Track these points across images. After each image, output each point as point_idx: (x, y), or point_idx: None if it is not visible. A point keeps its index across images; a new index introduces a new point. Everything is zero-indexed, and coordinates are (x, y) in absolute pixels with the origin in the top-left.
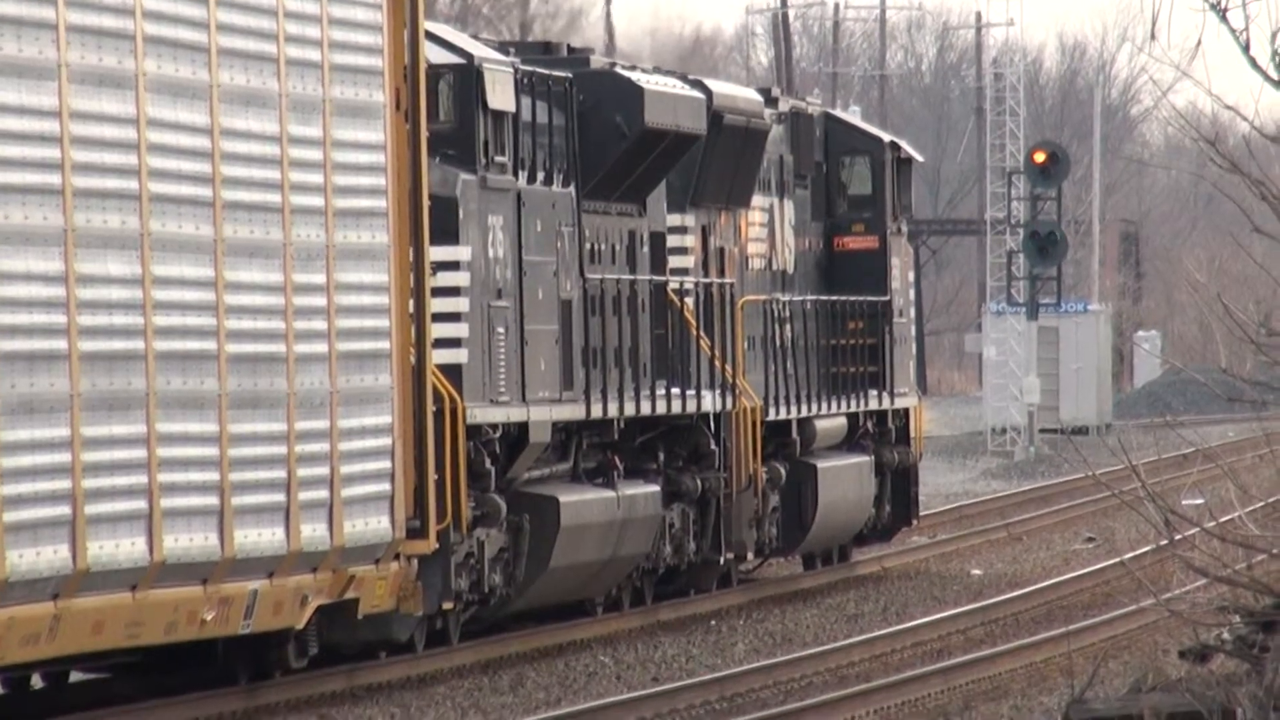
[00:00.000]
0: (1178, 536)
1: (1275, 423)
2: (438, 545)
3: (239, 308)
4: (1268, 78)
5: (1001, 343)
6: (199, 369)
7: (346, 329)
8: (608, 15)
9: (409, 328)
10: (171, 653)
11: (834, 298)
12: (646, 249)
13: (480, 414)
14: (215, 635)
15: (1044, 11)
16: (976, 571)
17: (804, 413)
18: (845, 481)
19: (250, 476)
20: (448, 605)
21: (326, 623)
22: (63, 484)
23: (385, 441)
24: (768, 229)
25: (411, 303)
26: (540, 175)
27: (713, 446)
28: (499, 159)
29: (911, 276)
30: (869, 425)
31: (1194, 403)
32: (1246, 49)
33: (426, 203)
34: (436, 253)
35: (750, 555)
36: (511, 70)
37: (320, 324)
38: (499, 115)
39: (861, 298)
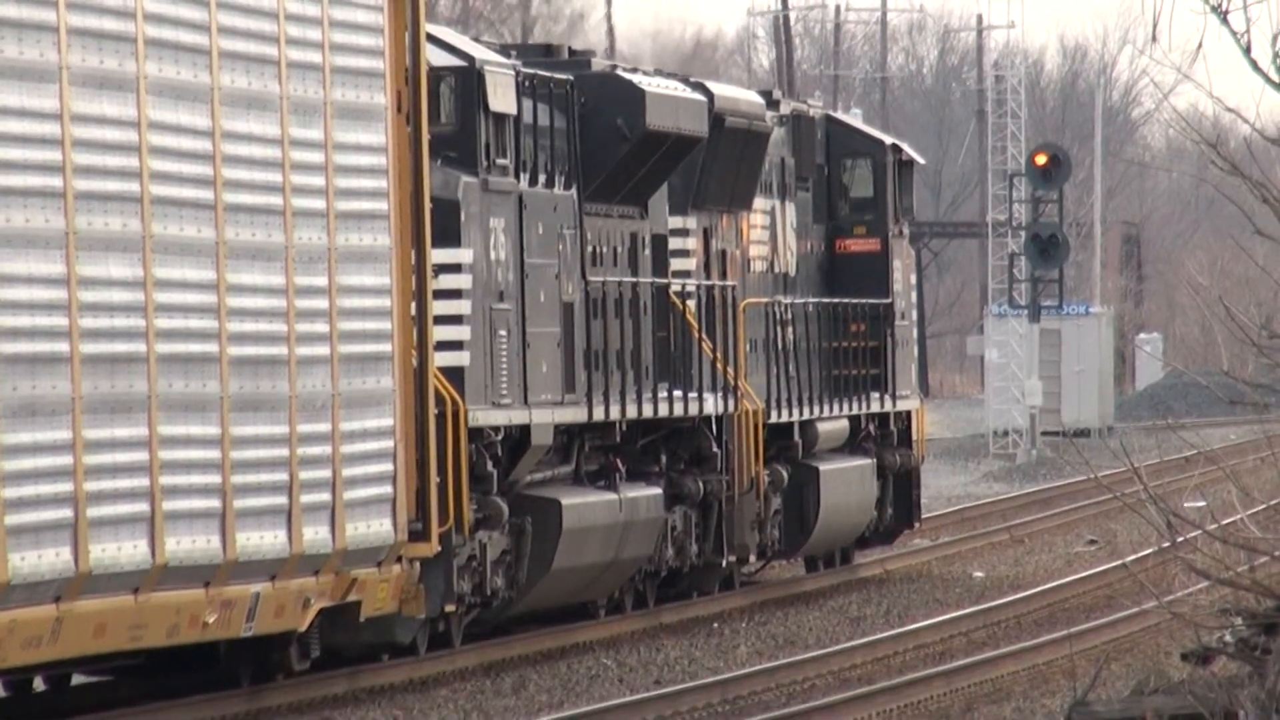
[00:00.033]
0: (1180, 539)
1: (1277, 425)
2: (440, 548)
3: (241, 310)
4: (1269, 80)
5: (1003, 345)
6: (201, 371)
7: (348, 332)
8: (609, 18)
9: (411, 330)
10: (174, 655)
11: (836, 300)
12: (648, 251)
13: (482, 416)
14: (217, 638)
15: (1045, 14)
16: (978, 574)
17: (806, 415)
18: (847, 484)
19: (252, 479)
20: (450, 608)
21: (329, 625)
22: (64, 487)
23: (387, 444)
24: (769, 231)
25: (413, 305)
26: (542, 178)
27: (715, 449)
28: (500, 161)
29: (913, 279)
30: (871, 428)
31: (1196, 405)
32: (1248, 51)
33: (428, 205)
34: (438, 255)
35: (752, 558)
36: (513, 73)
37: (322, 327)
38: (500, 118)
39: (863, 300)
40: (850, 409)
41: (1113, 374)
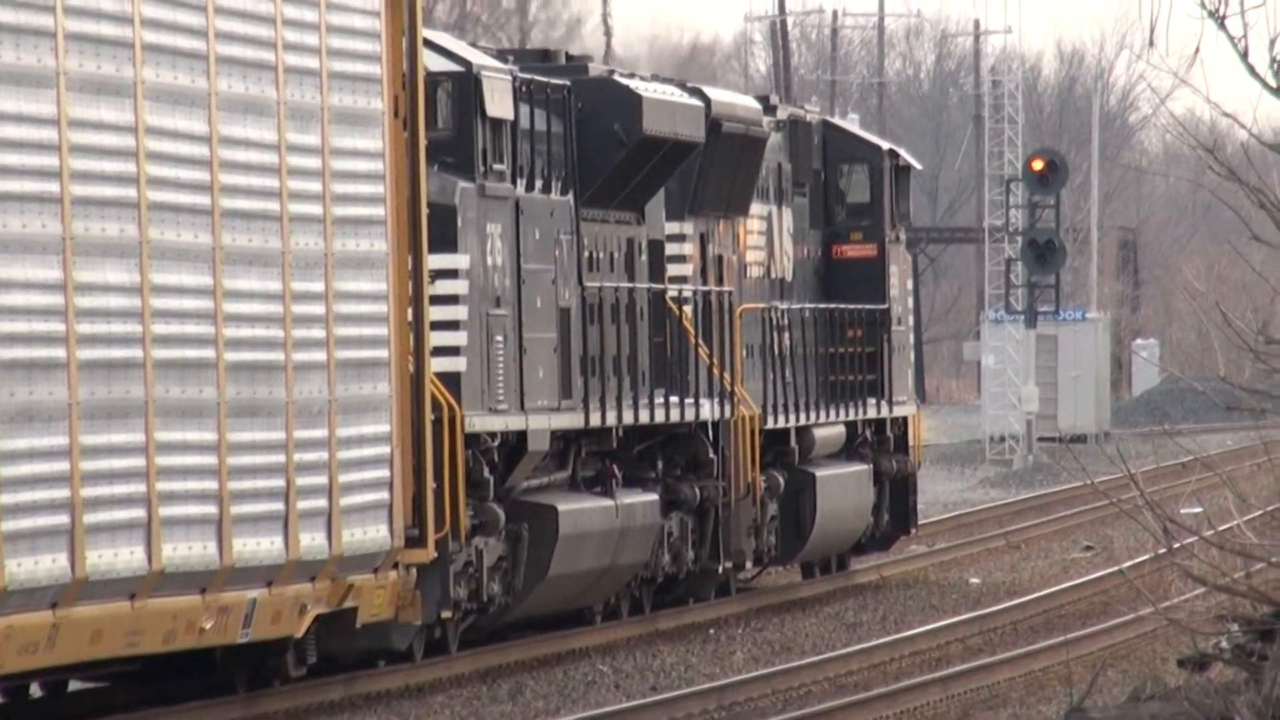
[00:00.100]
0: (1176, 545)
1: (1273, 431)
2: (436, 554)
3: (237, 316)
4: (1266, 85)
5: (1000, 351)
6: (198, 377)
7: (345, 337)
8: (606, 23)
9: (407, 336)
10: (170, 661)
11: (832, 306)
12: (645, 257)
13: (479, 422)
14: (214, 644)
15: (1042, 19)
16: (975, 580)
17: (802, 421)
18: (844, 490)
19: (249, 485)
20: (446, 614)
21: (325, 632)
22: (61, 492)
23: (384, 450)
24: (766, 237)
25: (410, 311)
26: (539, 183)
27: (711, 455)
28: (497, 167)
29: (910, 284)
30: (867, 433)
31: (1192, 411)
32: (1245, 56)
33: (425, 211)
34: (435, 261)
35: (749, 564)
36: (510, 78)
37: (319, 332)
38: (497, 123)
39: (860, 306)
40: (847, 415)
41: (1109, 380)
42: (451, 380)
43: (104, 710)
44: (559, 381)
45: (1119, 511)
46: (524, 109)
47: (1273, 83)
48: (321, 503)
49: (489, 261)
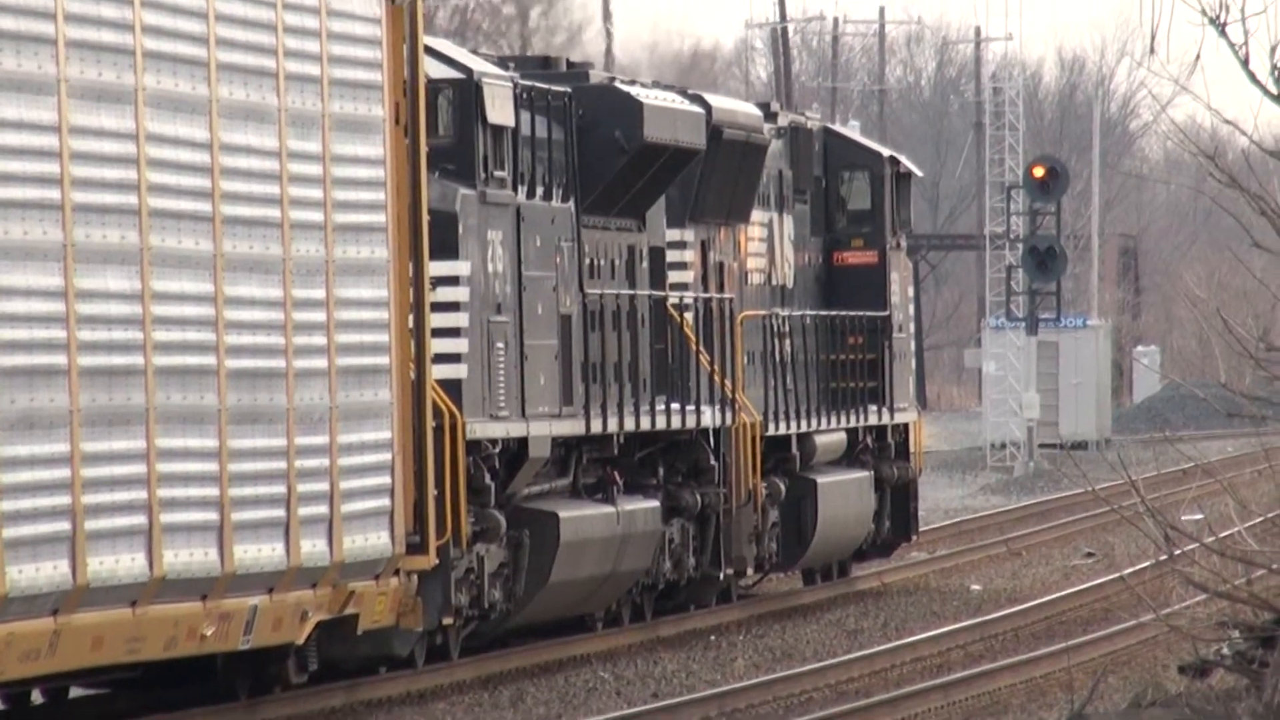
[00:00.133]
0: (1177, 552)
1: (1274, 438)
2: (437, 561)
3: (239, 323)
4: (1267, 92)
5: (1001, 358)
6: (199, 384)
7: (346, 344)
8: (607, 30)
9: (409, 343)
10: (171, 668)
11: (833, 313)
12: (646, 264)
13: (480, 429)
14: (215, 651)
15: (1043, 26)
16: (976, 587)
17: (804, 428)
18: (845, 497)
19: (250, 492)
20: (447, 620)
21: (326, 638)
22: (62, 499)
23: (385, 457)
24: (767, 244)
25: (411, 318)
26: (540, 190)
27: (712, 462)
28: (498, 174)
29: (911, 291)
30: (868, 440)
31: (1193, 418)
32: (1245, 63)
33: (426, 217)
34: (436, 268)
35: (750, 570)
36: (511, 85)
37: (320, 339)
38: (498, 130)
39: (861, 313)
40: (848, 421)
41: (1110, 386)
42: (453, 387)
43: (105, 717)
44: (560, 388)
45: (1120, 518)
46: (525, 116)
47: (1273, 89)
48: (323, 509)
49: (490, 268)
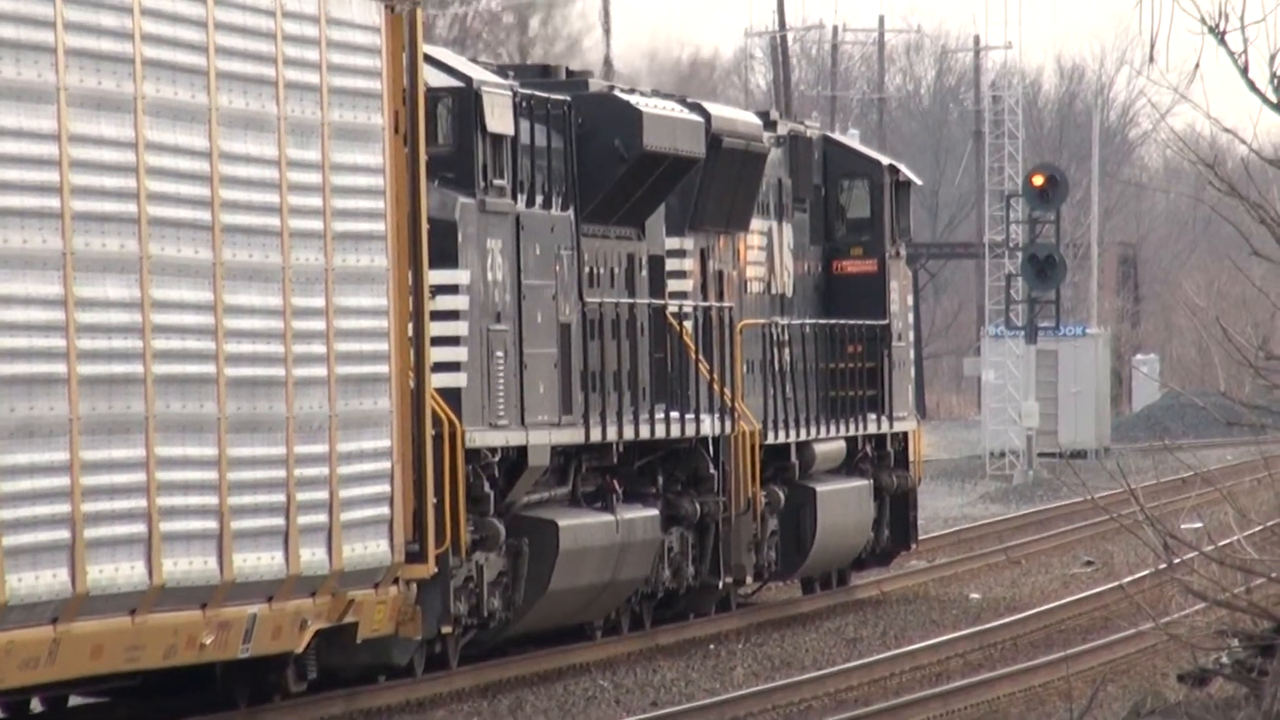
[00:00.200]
0: (1176, 560)
1: (1274, 446)
2: (436, 569)
3: (238, 331)
4: (1266, 100)
5: (1000, 366)
6: (198, 392)
7: (345, 353)
8: (606, 38)
9: (408, 351)
10: (171, 677)
11: (832, 321)
12: (645, 272)
13: (479, 438)
14: (214, 659)
15: (1042, 34)
16: (975, 595)
17: (803, 436)
18: (844, 505)
19: (249, 500)
20: (446, 629)
21: (325, 647)
22: (62, 508)
23: (384, 465)
24: (766, 252)
25: (410, 326)
26: (539, 199)
27: (711, 470)
28: (498, 182)
29: (910, 300)
30: (868, 449)
31: (1192, 426)
32: (1245, 72)
33: (425, 226)
34: (435, 276)
35: (749, 579)
36: (510, 93)
37: (319, 348)
38: (498, 138)
39: (860, 321)
40: (847, 430)
41: (1109, 395)
42: (452, 395)
43: None
44: (559, 397)
45: (1119, 527)
46: (524, 124)
47: (1273, 98)
48: (322, 518)
49: (489, 277)
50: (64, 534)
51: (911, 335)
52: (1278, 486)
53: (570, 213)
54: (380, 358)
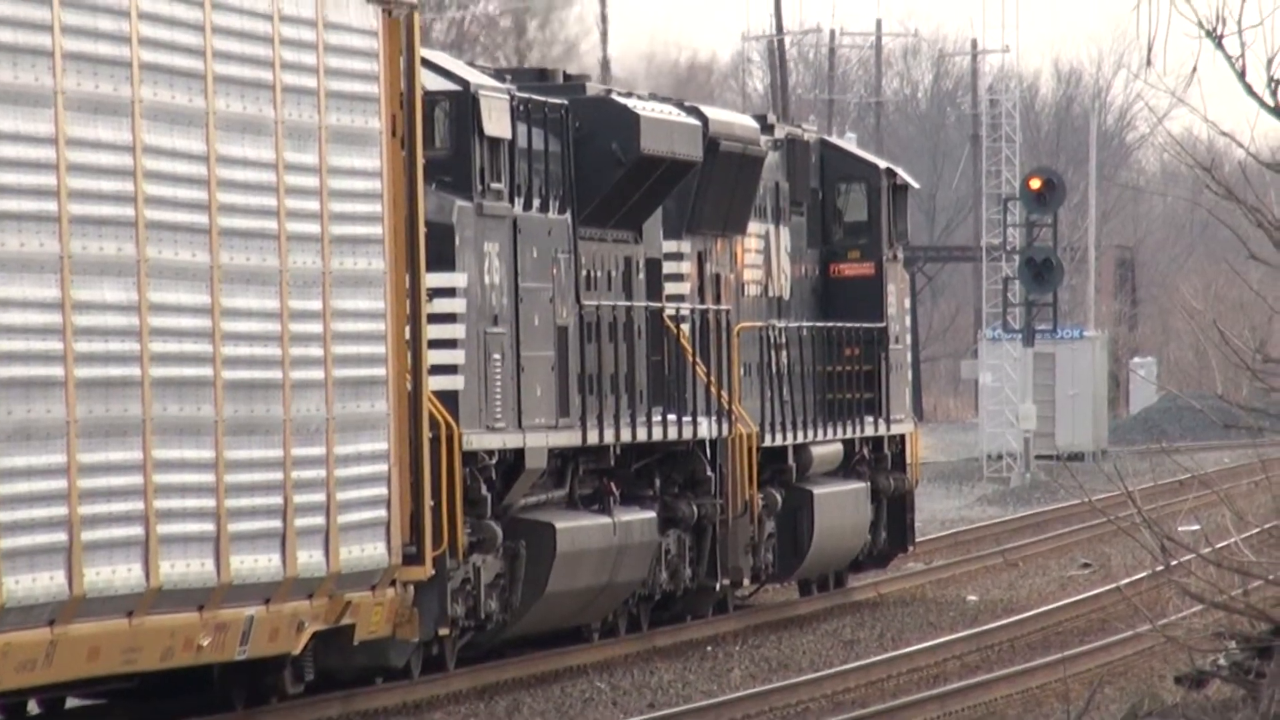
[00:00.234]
0: (1174, 562)
1: (1271, 449)
2: (434, 571)
3: (235, 334)
4: (1263, 104)
5: (997, 369)
6: (195, 395)
7: (343, 355)
8: (604, 42)
9: (405, 354)
10: (168, 679)
11: (830, 324)
12: (642, 275)
13: (476, 440)
14: (211, 661)
15: (1040, 38)
16: (972, 597)
17: (800, 439)
18: (841, 508)
19: (246, 503)
20: (444, 631)
21: (323, 649)
22: (59, 510)
23: (381, 468)
24: (763, 255)
25: (408, 329)
26: (536, 202)
27: (709, 473)
28: (495, 186)
29: (907, 303)
30: (865, 451)
31: (1190, 429)
32: (1242, 75)
33: (423, 229)
34: (433, 279)
35: (746, 581)
36: (507, 97)
37: (316, 350)
38: (495, 142)
39: (857, 324)
40: (844, 433)
41: (1107, 398)
42: (449, 398)
43: None
44: (556, 399)
45: (1117, 529)
46: (522, 128)
47: (1270, 102)
48: (319, 520)
49: (486, 280)
50: (61, 536)
51: (909, 338)
52: (1275, 489)
53: (567, 216)
54: (377, 360)
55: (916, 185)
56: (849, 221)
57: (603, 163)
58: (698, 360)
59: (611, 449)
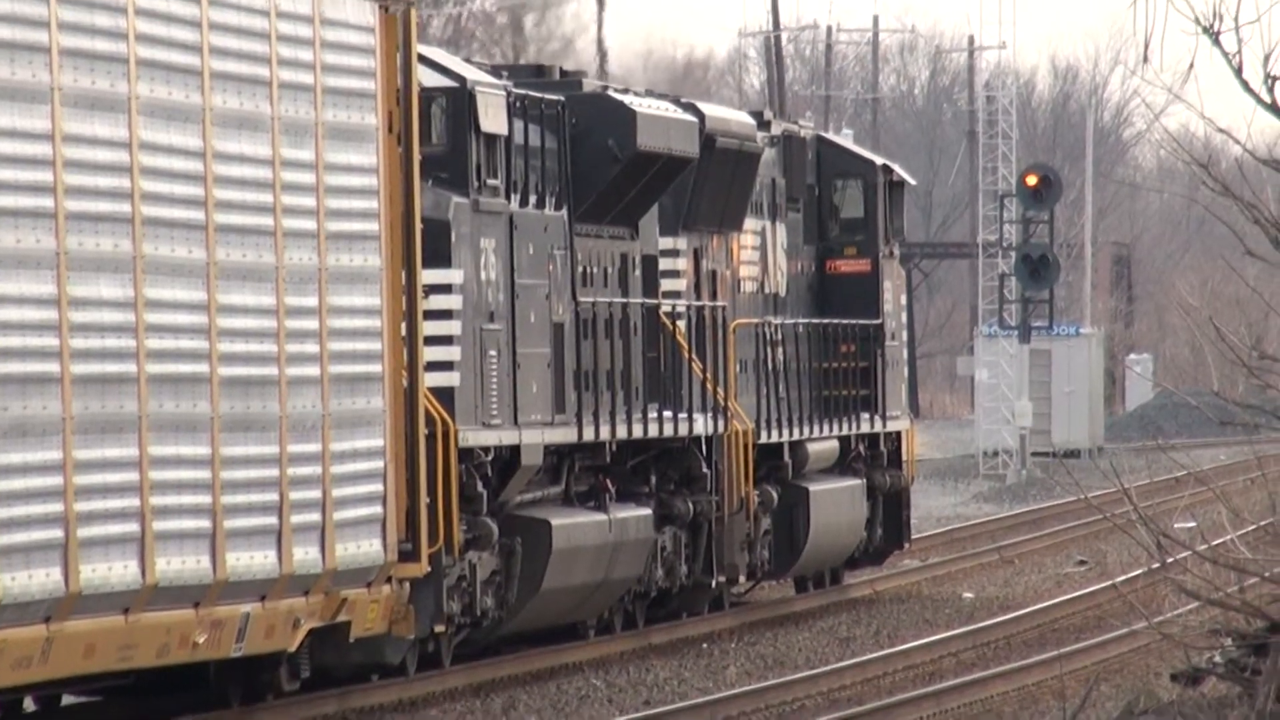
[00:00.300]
0: (1169, 559)
1: (1267, 446)
2: (430, 568)
3: (231, 331)
4: (1260, 100)
5: (993, 366)
6: (191, 392)
7: (339, 352)
8: (600, 39)
9: (401, 351)
10: (163, 676)
11: (826, 321)
12: (639, 272)
13: (472, 437)
14: (207, 658)
15: (1036, 35)
16: (968, 594)
17: (796, 436)
18: (837, 504)
19: (242, 499)
20: (439, 628)
21: (318, 645)
22: (55, 507)
23: (377, 464)
24: (760, 252)
25: (404, 326)
26: (533, 198)
27: (704, 469)
28: (491, 182)
29: (903, 299)
30: (861, 448)
31: (1186, 426)
32: (1239, 72)
33: (419, 226)
34: (429, 276)
35: (742, 578)
36: (504, 93)
37: (312, 347)
38: (491, 138)
39: (853, 321)
40: (840, 429)
41: (1103, 395)
42: (445, 395)
43: None
44: (552, 396)
45: (1112, 526)
46: (518, 124)
47: (1266, 98)
48: (315, 517)
49: (483, 276)
50: (57, 533)
51: (905, 334)
52: (1271, 486)
53: (564, 212)
54: (374, 357)
55: (913, 181)
56: (845, 218)
57: (599, 159)
58: (694, 357)
59: (607, 446)
